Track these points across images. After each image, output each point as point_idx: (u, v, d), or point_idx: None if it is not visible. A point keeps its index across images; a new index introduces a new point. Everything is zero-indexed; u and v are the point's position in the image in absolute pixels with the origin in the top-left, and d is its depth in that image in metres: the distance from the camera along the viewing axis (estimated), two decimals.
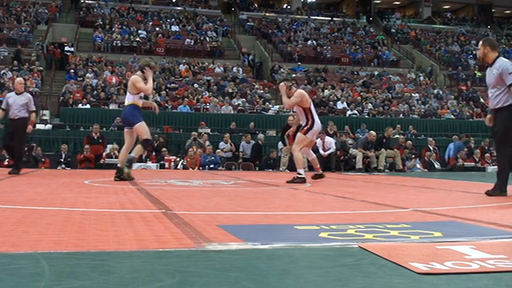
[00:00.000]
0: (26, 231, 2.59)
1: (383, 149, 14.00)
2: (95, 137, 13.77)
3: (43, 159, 12.99)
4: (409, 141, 15.63)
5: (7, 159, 12.72)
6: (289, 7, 35.95)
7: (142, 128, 6.95)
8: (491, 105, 5.34)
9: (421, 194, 5.79)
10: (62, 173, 10.04)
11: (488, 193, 5.21)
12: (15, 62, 20.27)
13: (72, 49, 23.73)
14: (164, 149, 13.87)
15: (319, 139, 13.81)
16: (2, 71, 19.08)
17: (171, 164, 13.47)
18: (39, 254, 2.01)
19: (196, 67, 22.75)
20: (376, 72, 25.55)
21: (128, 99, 7.08)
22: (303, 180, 7.21)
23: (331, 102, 20.10)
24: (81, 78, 19.47)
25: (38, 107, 11.97)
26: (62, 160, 13.24)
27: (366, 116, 19.24)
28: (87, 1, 28.58)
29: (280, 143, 13.81)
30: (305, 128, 7.27)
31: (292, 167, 12.65)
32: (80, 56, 22.38)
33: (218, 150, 14.19)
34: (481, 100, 23.62)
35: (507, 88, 5.10)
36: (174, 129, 16.01)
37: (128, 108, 7.00)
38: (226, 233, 2.58)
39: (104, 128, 15.04)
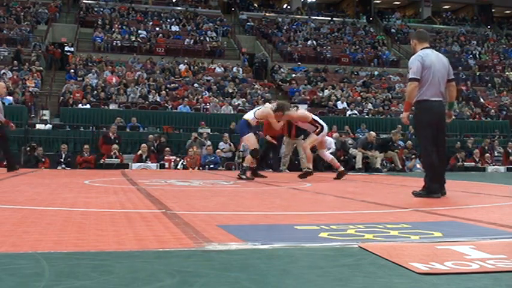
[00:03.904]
0: (26, 231, 2.59)
1: (389, 151, 14.05)
2: (112, 137, 13.76)
3: (43, 159, 12.98)
4: (409, 141, 15.64)
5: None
6: (289, 7, 35.94)
7: (250, 140, 8.18)
8: None
9: None
10: (62, 173, 10.03)
11: (414, 193, 4.95)
12: (15, 62, 20.26)
13: (72, 49, 23.71)
14: (167, 148, 13.87)
15: None
16: (2, 71, 19.07)
17: (171, 164, 13.47)
18: (39, 254, 2.01)
19: (196, 67, 22.74)
20: (376, 72, 25.55)
21: (248, 116, 8.23)
22: (311, 174, 8.42)
23: (331, 102, 20.09)
24: (81, 78, 19.47)
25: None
26: (62, 160, 13.23)
27: (366, 116, 19.24)
28: (87, 1, 28.58)
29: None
30: (317, 131, 8.40)
31: (291, 167, 12.65)
32: (80, 56, 22.37)
33: (218, 150, 14.18)
34: (481, 100, 23.63)
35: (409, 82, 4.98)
36: (174, 129, 16.00)
37: (243, 121, 8.24)
38: (226, 233, 2.58)
39: (105, 129, 15.03)
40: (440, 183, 4.93)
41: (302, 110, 9.06)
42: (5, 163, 9.80)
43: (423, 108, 4.90)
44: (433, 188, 4.86)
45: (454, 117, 5.09)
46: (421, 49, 5.03)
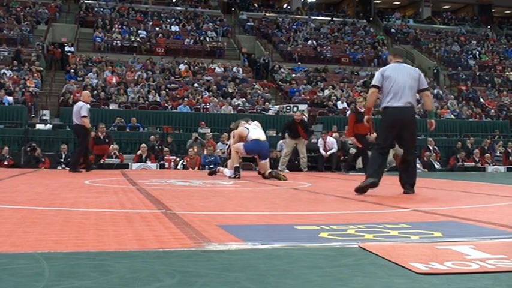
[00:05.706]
0: (26, 231, 2.59)
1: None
2: (101, 137, 13.60)
3: (43, 159, 12.97)
4: None
5: (7, 159, 12.73)
6: (289, 7, 35.93)
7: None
8: None
9: (421, 194, 5.79)
10: (62, 173, 10.04)
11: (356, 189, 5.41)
12: (15, 62, 20.25)
13: (72, 49, 23.71)
14: (166, 149, 13.86)
15: (320, 139, 13.79)
16: (2, 71, 19.07)
17: (171, 164, 13.46)
18: (39, 254, 2.01)
19: (196, 67, 22.74)
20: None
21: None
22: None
23: (331, 102, 20.08)
24: (81, 78, 19.46)
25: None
26: (62, 160, 13.22)
27: None
28: (87, 1, 28.58)
29: (280, 141, 13.80)
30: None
31: (291, 167, 12.66)
32: (80, 56, 22.37)
33: (218, 151, 14.17)
34: (481, 100, 23.62)
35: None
36: (174, 129, 15.99)
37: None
38: (226, 233, 2.58)
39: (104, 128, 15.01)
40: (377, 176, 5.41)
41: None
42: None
43: (384, 113, 5.54)
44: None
45: (434, 124, 5.64)
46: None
